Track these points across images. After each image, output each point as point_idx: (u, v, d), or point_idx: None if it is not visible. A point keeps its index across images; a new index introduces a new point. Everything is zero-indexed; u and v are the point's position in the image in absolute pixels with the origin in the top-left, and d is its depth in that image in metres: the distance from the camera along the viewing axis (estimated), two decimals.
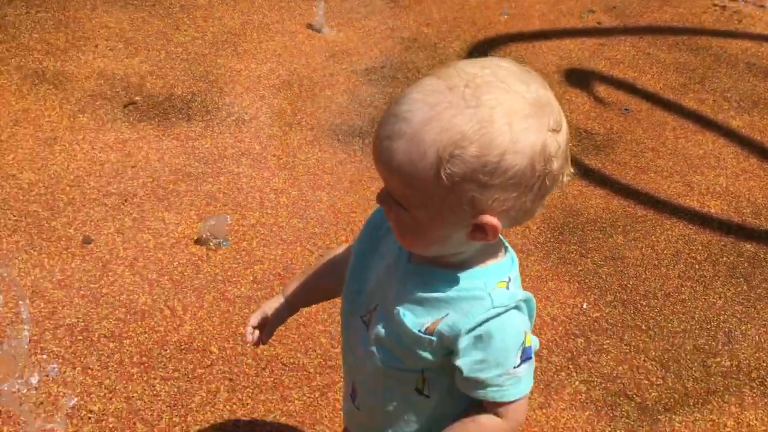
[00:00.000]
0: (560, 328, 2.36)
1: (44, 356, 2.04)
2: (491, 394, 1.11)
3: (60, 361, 2.04)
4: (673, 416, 2.10)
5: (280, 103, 3.27)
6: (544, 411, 2.09)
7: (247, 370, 2.09)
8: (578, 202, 2.92)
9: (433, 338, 1.08)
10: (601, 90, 3.68)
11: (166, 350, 2.12)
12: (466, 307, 1.06)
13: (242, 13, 4.00)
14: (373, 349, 1.16)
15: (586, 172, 3.08)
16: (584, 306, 2.45)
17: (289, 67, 3.55)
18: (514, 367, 1.09)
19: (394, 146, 0.97)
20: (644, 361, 2.27)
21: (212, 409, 1.98)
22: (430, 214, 1.01)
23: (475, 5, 4.43)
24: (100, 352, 2.08)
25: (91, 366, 2.04)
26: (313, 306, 2.26)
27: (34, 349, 2.06)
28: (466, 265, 1.08)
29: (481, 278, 1.08)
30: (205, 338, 2.17)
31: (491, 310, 1.05)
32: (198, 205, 2.64)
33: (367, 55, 3.74)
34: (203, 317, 2.23)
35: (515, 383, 1.10)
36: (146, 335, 2.15)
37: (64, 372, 2.01)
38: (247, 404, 2.00)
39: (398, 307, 1.10)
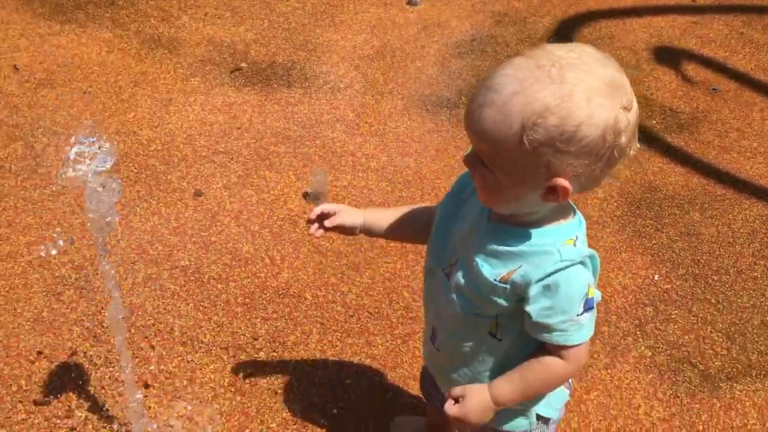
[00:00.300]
0: (630, 297, 2.48)
1: (161, 292, 2.33)
2: (556, 338, 1.27)
3: (176, 297, 2.32)
4: (735, 384, 2.21)
5: (373, 73, 3.46)
6: (609, 371, 2.23)
7: (336, 316, 2.32)
8: (657, 179, 3.00)
9: (507, 286, 1.24)
10: (690, 69, 3.70)
11: (266, 294, 2.37)
12: (537, 260, 1.22)
13: None
14: (453, 296, 1.34)
15: (667, 150, 3.15)
16: (655, 278, 2.56)
17: (383, 39, 3.72)
18: (578, 315, 1.24)
19: (484, 114, 1.13)
20: (710, 332, 2.37)
21: (305, 348, 2.22)
22: (512, 174, 1.17)
23: None
24: (210, 292, 2.35)
25: (202, 303, 2.31)
26: (398, 262, 2.48)
27: (153, 285, 2.35)
28: (538, 224, 1.24)
29: (552, 236, 1.23)
30: (300, 285, 2.41)
31: (559, 263, 1.21)
32: (296, 165, 2.87)
33: (458, 28, 3.87)
34: (299, 267, 2.47)
35: (578, 329, 1.26)
36: (249, 280, 2.41)
37: (179, 306, 2.29)
38: (336, 346, 2.23)
39: (477, 259, 1.27)
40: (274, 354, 2.19)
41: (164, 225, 2.57)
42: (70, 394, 2.01)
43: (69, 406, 1.98)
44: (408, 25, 3.87)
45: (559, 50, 1.13)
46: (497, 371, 1.37)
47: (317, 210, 1.53)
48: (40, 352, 2.12)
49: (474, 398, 1.35)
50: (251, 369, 2.13)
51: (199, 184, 2.74)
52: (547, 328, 1.26)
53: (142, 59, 3.40)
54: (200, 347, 2.18)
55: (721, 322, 2.41)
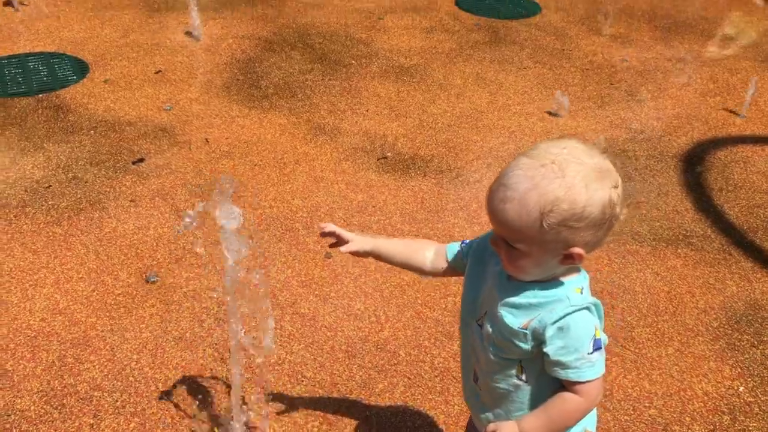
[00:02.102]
0: (709, 403, 2.55)
1: (280, 331, 2.75)
2: (571, 374, 1.50)
3: (291, 337, 2.74)
4: None
5: None
6: None
7: (423, 374, 2.61)
8: (765, 299, 3.04)
9: (528, 332, 1.51)
10: None
11: (366, 346, 2.72)
12: (551, 306, 1.49)
13: (490, 94, 4.64)
14: (486, 344, 1.62)
15: None
16: (740, 389, 2.61)
17: (518, 143, 4.08)
18: (588, 353, 1.48)
19: (507, 207, 1.43)
20: None
21: (390, 396, 2.52)
22: (534, 250, 1.46)
23: (712, 105, 4.61)
24: (320, 337, 2.75)
25: (311, 345, 2.71)
26: None
27: (277, 325, 2.79)
28: (550, 280, 1.52)
29: (562, 288, 1.51)
30: (397, 343, 2.74)
31: (570, 307, 1.47)
32: None
33: (592, 140, 4.15)
34: (399, 328, 2.81)
35: (590, 367, 1.49)
36: (354, 332, 2.78)
37: (292, 345, 2.70)
38: (417, 399, 2.51)
39: (501, 311, 1.55)
40: (363, 397, 2.51)
41: (295, 277, 3.03)
42: (194, 400, 2.46)
43: (191, 410, 2.43)
44: (545, 133, 4.20)
45: (554, 149, 1.43)
46: (525, 410, 1.61)
47: (331, 229, 1.81)
48: (177, 364, 2.60)
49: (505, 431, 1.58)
50: (341, 405, 2.47)
51: (330, 250, 3.19)
52: (563, 365, 1.50)
53: (307, 142, 4.01)
54: (302, 380, 2.56)
55: None
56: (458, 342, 2.74)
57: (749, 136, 4.27)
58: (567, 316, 1.47)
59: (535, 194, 1.39)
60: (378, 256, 1.85)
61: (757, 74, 5.04)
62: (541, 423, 1.56)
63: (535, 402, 1.59)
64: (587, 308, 1.49)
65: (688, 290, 3.08)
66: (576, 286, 1.51)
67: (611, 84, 4.85)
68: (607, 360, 1.54)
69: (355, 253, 1.84)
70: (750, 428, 2.46)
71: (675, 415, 2.50)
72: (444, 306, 2.92)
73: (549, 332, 1.48)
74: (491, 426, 1.60)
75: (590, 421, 1.69)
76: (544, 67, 5.05)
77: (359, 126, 4.20)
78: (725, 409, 2.53)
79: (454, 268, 1.79)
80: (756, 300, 3.03)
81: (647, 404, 2.54)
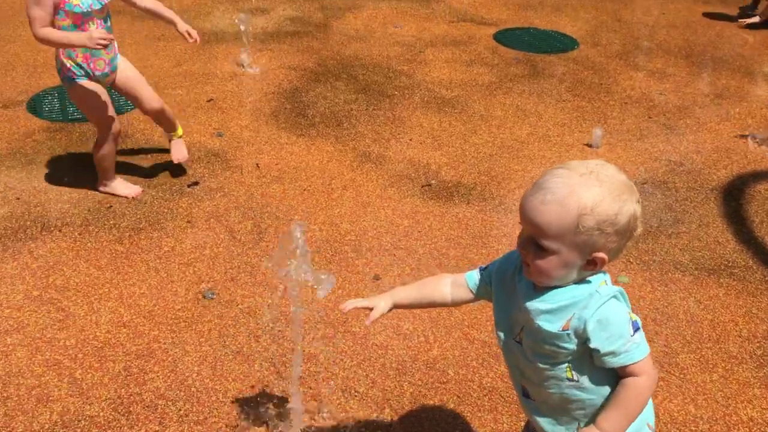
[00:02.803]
0: (755, 429, 2.59)
1: (333, 348, 2.86)
2: (624, 359, 1.59)
3: (343, 354, 2.84)
4: None
5: None
6: None
7: (471, 393, 2.69)
8: None
9: (570, 332, 1.60)
10: None
11: (416, 364, 2.81)
12: (584, 303, 1.59)
13: (530, 126, 4.76)
14: (531, 357, 1.70)
15: None
16: None
17: None
18: (631, 336, 1.59)
19: (546, 209, 1.53)
20: None
21: (440, 412, 2.61)
22: (564, 250, 1.55)
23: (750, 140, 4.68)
24: (371, 355, 2.85)
25: (363, 362, 2.81)
26: None
27: (328, 342, 2.89)
28: (574, 281, 1.62)
29: (589, 285, 1.61)
30: (446, 363, 2.82)
31: (601, 299, 1.58)
32: (461, 266, 3.35)
33: (631, 172, 4.23)
34: (447, 348, 2.90)
35: (636, 347, 1.60)
36: (404, 351, 2.87)
37: (345, 361, 2.80)
38: (467, 416, 2.60)
39: (538, 322, 1.63)
40: (413, 412, 2.60)
41: (345, 298, 3.14)
42: (250, 411, 2.57)
43: (250, 420, 2.53)
44: None
45: (589, 164, 1.56)
46: (586, 408, 1.70)
47: (351, 307, 1.90)
48: (236, 377, 2.72)
49: None
50: (393, 420, 2.56)
51: (379, 271, 3.31)
52: (614, 354, 1.59)
53: (354, 169, 4.15)
54: (355, 395, 2.66)
55: None
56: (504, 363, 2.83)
57: None
58: (601, 307, 1.58)
59: (575, 198, 1.51)
60: (401, 307, 1.95)
61: None
62: (618, 415, 1.64)
63: (592, 398, 1.68)
64: (615, 297, 1.61)
65: (731, 319, 3.13)
66: (600, 281, 1.62)
67: (649, 117, 4.95)
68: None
69: (382, 315, 1.92)
70: None
71: None
72: (490, 328, 2.99)
73: (590, 327, 1.58)
74: None
75: (649, 413, 1.77)
76: (582, 100, 5.17)
77: (403, 154, 4.34)
78: None
79: (480, 296, 1.89)
80: None
81: (693, 427, 2.59)
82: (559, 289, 1.62)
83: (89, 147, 4.24)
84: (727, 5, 7.40)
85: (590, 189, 1.52)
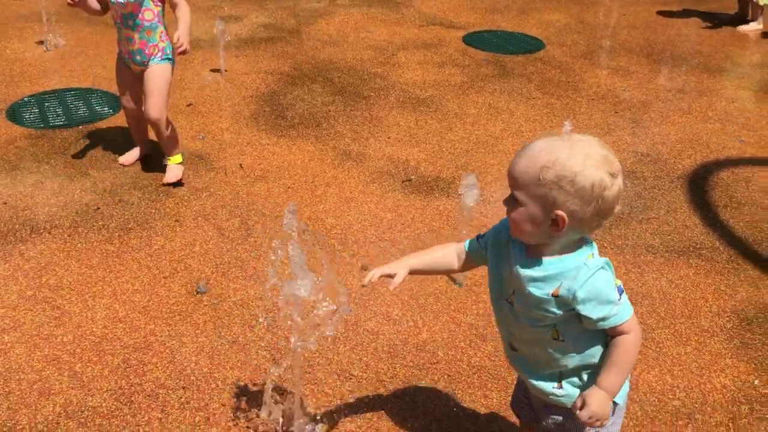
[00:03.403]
0: (728, 395, 2.76)
1: (325, 335, 2.96)
2: (613, 321, 1.73)
3: (336, 341, 2.94)
4: None
5: None
6: None
7: (461, 371, 2.82)
8: None
9: (558, 298, 1.73)
10: None
11: (407, 347, 2.93)
12: (572, 274, 1.71)
13: (503, 122, 4.92)
14: (521, 318, 1.83)
15: None
16: (755, 382, 2.82)
17: None
18: (618, 300, 1.73)
19: (519, 160, 1.69)
20: None
21: (433, 391, 2.72)
22: (529, 202, 1.67)
23: (711, 131, 4.90)
24: (363, 340, 2.95)
25: (356, 347, 2.91)
26: None
27: (322, 330, 2.99)
28: (563, 252, 1.74)
29: (576, 257, 1.73)
30: (435, 345, 2.94)
31: (590, 271, 1.70)
32: None
33: None
34: (436, 331, 3.02)
35: (623, 309, 1.73)
36: (395, 335, 2.99)
37: (338, 347, 2.91)
38: (458, 394, 2.71)
39: (528, 288, 1.76)
40: (407, 392, 2.71)
41: (333, 292, 3.24)
42: (250, 396, 2.65)
43: (247, 404, 2.62)
44: None
45: (576, 135, 1.70)
46: (571, 366, 1.83)
47: (377, 276, 2.03)
48: (234, 365, 2.80)
49: (593, 398, 1.78)
50: (388, 399, 2.67)
51: (366, 261, 3.42)
52: (604, 318, 1.73)
53: (335, 167, 4.26)
54: (350, 378, 2.76)
55: None
56: (492, 343, 2.96)
57: (749, 158, 4.55)
58: (590, 279, 1.70)
59: (544, 153, 1.65)
60: (416, 273, 2.08)
61: (751, 102, 5.36)
62: (614, 372, 1.78)
63: (576, 358, 1.81)
64: (602, 267, 1.73)
65: (701, 296, 3.30)
66: (588, 254, 1.75)
67: (616, 112, 5.14)
68: None
69: (402, 281, 2.04)
70: (767, 417, 2.67)
71: (697, 406, 2.70)
72: (476, 312, 3.13)
73: (580, 296, 1.70)
74: (577, 401, 1.82)
75: (622, 393, 1.90)
76: (551, 97, 5.35)
77: (383, 152, 4.46)
78: (743, 400, 2.74)
79: (476, 261, 2.03)
80: (765, 304, 3.26)
81: (671, 396, 2.74)
82: (549, 259, 1.74)
83: (72, 152, 4.29)
84: (682, 3, 7.70)
85: (561, 149, 1.64)
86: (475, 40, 6.47)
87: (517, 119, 4.97)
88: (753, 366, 2.90)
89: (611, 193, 1.64)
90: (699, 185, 4.24)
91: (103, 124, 4.66)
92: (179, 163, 4.03)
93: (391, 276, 2.03)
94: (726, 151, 4.63)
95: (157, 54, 3.83)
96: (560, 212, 1.65)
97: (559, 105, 5.23)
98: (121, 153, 4.29)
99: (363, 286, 2.06)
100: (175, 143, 4.01)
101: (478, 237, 2.00)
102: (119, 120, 4.68)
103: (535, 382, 1.92)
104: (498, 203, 3.95)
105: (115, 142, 4.45)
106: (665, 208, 3.99)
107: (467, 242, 2.03)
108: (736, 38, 6.85)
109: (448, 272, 2.13)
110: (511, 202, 1.73)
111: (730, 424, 2.63)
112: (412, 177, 4.19)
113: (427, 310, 3.14)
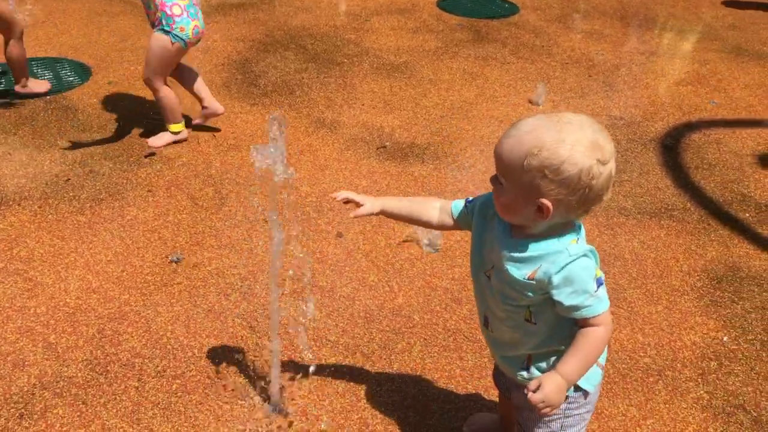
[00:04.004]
0: (698, 352, 2.82)
1: (302, 302, 2.97)
2: (586, 312, 1.68)
3: (315, 307, 2.95)
4: None
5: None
6: (667, 405, 2.57)
7: (437, 335, 2.84)
8: (742, 261, 3.32)
9: (533, 282, 1.68)
10: None
11: (383, 312, 2.94)
12: (552, 258, 1.65)
13: (477, 87, 4.91)
14: (496, 293, 1.80)
15: (755, 239, 3.46)
16: (724, 339, 2.88)
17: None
18: (595, 291, 1.67)
19: (505, 142, 1.60)
20: None
21: (409, 355, 2.75)
22: (513, 188, 1.61)
23: (685, 93, 4.93)
24: (339, 306, 2.96)
25: (332, 313, 2.92)
26: None
27: (297, 297, 3.00)
28: (546, 235, 1.68)
29: (559, 241, 1.67)
30: (411, 309, 2.96)
31: (570, 257, 1.64)
32: None
33: None
34: (411, 296, 3.03)
35: (598, 302, 1.68)
36: (371, 301, 3.00)
37: (315, 314, 2.91)
38: (434, 356, 2.74)
39: (507, 266, 1.72)
40: (384, 356, 2.73)
41: (310, 255, 3.24)
42: (227, 364, 2.66)
43: (227, 370, 2.63)
44: None
45: (568, 115, 1.60)
46: (539, 349, 1.81)
47: (344, 196, 1.97)
48: (210, 333, 2.80)
49: (549, 383, 1.68)
50: (365, 364, 2.69)
51: (341, 229, 3.42)
52: (577, 308, 1.68)
53: (309, 135, 4.23)
54: (327, 344, 2.78)
55: None
56: (467, 306, 2.98)
57: (720, 120, 4.59)
58: (568, 265, 1.62)
59: (530, 137, 1.55)
60: (388, 215, 2.00)
61: (723, 64, 5.39)
62: (576, 361, 1.71)
63: (545, 342, 1.78)
64: (585, 255, 1.66)
65: (672, 256, 3.35)
66: (571, 239, 1.67)
67: (590, 76, 5.15)
68: None
69: (368, 215, 2.00)
70: (735, 371, 2.73)
71: (667, 362, 2.76)
72: (451, 276, 3.15)
73: (555, 281, 1.63)
74: (533, 383, 1.70)
75: (594, 373, 1.86)
76: (525, 62, 5.34)
77: (357, 119, 4.43)
78: (712, 356, 2.80)
79: (460, 224, 1.95)
80: (734, 263, 3.31)
81: (642, 354, 2.79)
82: (531, 241, 1.68)
83: (41, 123, 4.21)
84: None
85: (548, 133, 1.54)
86: (449, 4, 6.42)
87: (492, 84, 4.96)
88: (722, 323, 2.96)
89: (599, 181, 1.56)
90: (670, 148, 4.27)
91: (71, 94, 4.57)
92: (175, 132, 4.06)
93: (358, 204, 1.97)
94: (698, 113, 4.66)
95: (156, 23, 3.82)
96: (544, 201, 1.58)
97: (533, 69, 5.22)
98: (91, 123, 4.22)
99: (332, 196, 1.98)
100: (167, 112, 4.01)
101: (467, 201, 1.93)
102: (88, 89, 4.60)
103: (504, 362, 1.91)
104: (474, 168, 3.96)
105: (84, 111, 4.38)
106: (638, 171, 4.02)
107: (454, 203, 1.95)
108: (709, 0, 6.86)
109: (423, 224, 1.97)
110: (496, 183, 1.66)
111: (699, 380, 2.69)
112: (387, 143, 4.18)
113: (402, 275, 3.15)
